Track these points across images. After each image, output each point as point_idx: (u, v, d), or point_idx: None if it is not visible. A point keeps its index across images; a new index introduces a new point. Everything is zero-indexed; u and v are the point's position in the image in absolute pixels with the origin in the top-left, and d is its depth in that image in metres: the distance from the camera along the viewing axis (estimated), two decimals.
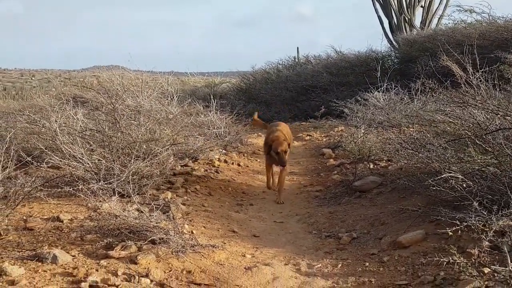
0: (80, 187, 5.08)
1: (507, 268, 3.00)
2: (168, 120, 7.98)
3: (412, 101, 9.93)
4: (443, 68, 7.44)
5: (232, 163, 9.26)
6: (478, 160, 4.59)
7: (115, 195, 5.09)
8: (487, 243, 3.85)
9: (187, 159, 8.62)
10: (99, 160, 5.96)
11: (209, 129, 10.44)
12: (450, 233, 3.92)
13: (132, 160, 6.09)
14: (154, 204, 4.95)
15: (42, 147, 6.31)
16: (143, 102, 8.80)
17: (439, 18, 19.27)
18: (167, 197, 6.19)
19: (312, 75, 18.09)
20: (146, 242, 4.32)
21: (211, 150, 9.32)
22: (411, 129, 6.44)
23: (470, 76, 5.65)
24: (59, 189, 5.29)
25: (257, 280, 4.26)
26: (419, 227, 4.86)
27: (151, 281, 3.76)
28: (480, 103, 4.90)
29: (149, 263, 4.04)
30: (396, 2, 19.27)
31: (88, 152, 6.12)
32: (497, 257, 3.72)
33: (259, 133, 13.88)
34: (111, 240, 4.36)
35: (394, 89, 11.12)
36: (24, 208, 5.26)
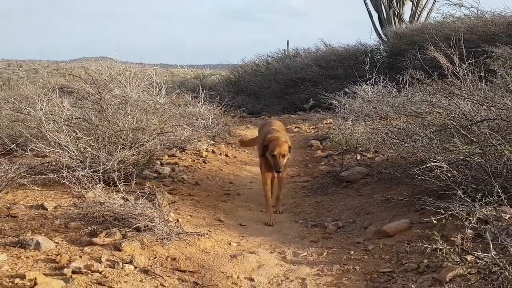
0: (65, 174, 5.03)
1: (489, 255, 3.02)
2: (156, 109, 7.93)
3: (400, 94, 9.97)
4: (431, 61, 7.45)
5: (220, 154, 9.24)
6: (463, 150, 4.61)
7: (100, 183, 5.05)
8: (470, 231, 3.89)
9: (174, 149, 8.60)
10: (84, 148, 5.91)
11: (197, 120, 10.40)
12: (435, 222, 3.94)
13: (119, 149, 6.05)
14: (140, 192, 4.91)
15: (27, 134, 6.24)
16: (131, 92, 8.74)
17: (428, 12, 19.36)
18: (153, 186, 6.15)
19: (301, 67, 18.07)
20: (131, 229, 4.30)
21: (199, 141, 9.30)
22: (398, 121, 6.44)
23: (457, 68, 5.67)
24: (44, 176, 5.24)
25: (243, 267, 4.26)
26: (404, 216, 4.88)
27: (135, 267, 3.74)
28: (466, 93, 4.93)
29: (134, 250, 4.02)
30: None
31: (74, 140, 6.06)
32: (480, 245, 3.74)
33: (248, 125, 13.88)
34: (95, 228, 4.34)
35: (383, 82, 11.15)
36: (8, 195, 5.21)
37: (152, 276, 3.67)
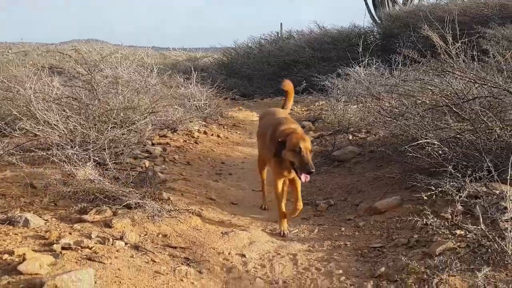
0: (54, 152, 4.99)
1: (479, 227, 3.03)
2: (147, 90, 7.88)
3: (393, 75, 9.94)
4: (424, 42, 7.42)
5: (212, 135, 9.21)
6: (455, 127, 4.61)
7: (90, 161, 5.01)
8: (460, 207, 3.91)
9: (166, 130, 8.56)
10: (74, 127, 5.86)
11: (189, 101, 10.34)
12: (425, 198, 3.95)
13: (109, 128, 6.00)
14: (130, 170, 4.89)
15: (16, 113, 6.19)
16: (122, 73, 8.68)
17: None
18: (144, 165, 6.13)
19: (294, 50, 17.98)
20: (122, 206, 4.29)
21: (190, 122, 9.25)
22: (390, 100, 6.42)
23: (450, 47, 5.65)
24: (33, 153, 5.19)
25: (234, 244, 4.26)
26: (395, 194, 4.90)
27: (126, 243, 3.72)
28: (459, 71, 4.91)
29: (124, 227, 4.01)
30: None
31: (64, 118, 6.00)
32: (470, 220, 3.76)
33: (240, 107, 13.84)
34: (85, 205, 4.33)
35: (376, 64, 11.11)
36: None
37: (143, 252, 3.65)
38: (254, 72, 18.75)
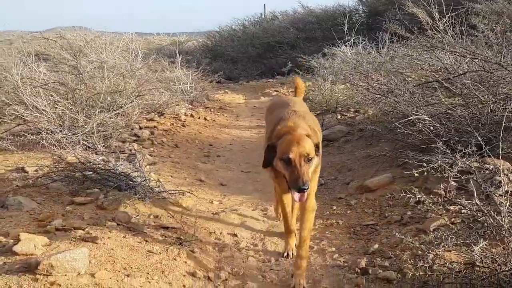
0: (44, 135, 4.94)
1: (473, 202, 3.03)
2: (133, 73, 7.78)
3: (380, 54, 9.90)
4: (410, 19, 7.41)
5: (199, 118, 9.15)
6: (446, 102, 4.61)
7: (79, 145, 4.96)
8: (453, 183, 3.91)
9: (153, 113, 8.48)
10: (63, 111, 5.79)
11: (175, 85, 10.24)
12: (416, 175, 3.94)
13: (97, 112, 5.93)
14: (119, 153, 4.84)
15: (4, 99, 6.12)
16: (107, 58, 8.54)
17: None
18: (133, 148, 6.07)
19: (279, 31, 17.86)
20: (112, 188, 4.24)
21: (177, 105, 9.17)
22: (379, 76, 6.38)
23: (437, 22, 5.61)
24: (23, 138, 5.13)
25: (225, 224, 4.26)
26: (386, 171, 4.90)
27: (118, 224, 3.68)
28: (448, 45, 4.89)
29: (116, 208, 3.97)
30: None
31: (52, 103, 5.93)
32: (464, 196, 3.76)
33: (226, 90, 13.76)
34: (76, 188, 4.31)
35: (362, 43, 11.05)
36: None
37: (136, 232, 3.62)
38: (238, 55, 18.62)
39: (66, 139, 5.00)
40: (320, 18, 17.11)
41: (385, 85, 5.64)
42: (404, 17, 8.00)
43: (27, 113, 5.77)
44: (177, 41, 24.20)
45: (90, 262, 2.95)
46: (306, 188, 3.00)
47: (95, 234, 3.37)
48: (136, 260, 3.21)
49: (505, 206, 2.93)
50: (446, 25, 5.52)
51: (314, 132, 3.38)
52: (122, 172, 4.42)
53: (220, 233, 4.04)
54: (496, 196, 3.22)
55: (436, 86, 4.82)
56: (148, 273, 3.09)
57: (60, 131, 5.41)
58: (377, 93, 5.62)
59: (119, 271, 3.01)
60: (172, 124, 8.20)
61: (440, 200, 3.47)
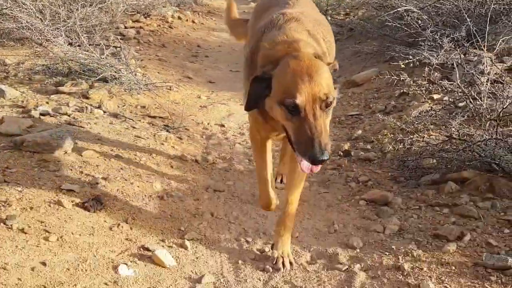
0: (25, 23, 4.82)
1: (455, 83, 3.07)
2: None
3: None
4: None
5: (187, 20, 8.92)
6: None
7: (62, 36, 4.86)
8: (438, 74, 3.95)
9: (138, 14, 8.25)
10: (43, 4, 5.61)
11: None
12: (403, 66, 3.97)
13: (79, 6, 5.76)
14: (104, 46, 4.76)
15: None
16: None
17: None
18: (118, 45, 5.96)
19: None
20: (97, 79, 4.20)
21: (163, 7, 8.91)
22: None
23: None
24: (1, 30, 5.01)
25: (213, 116, 4.30)
26: (373, 67, 4.91)
27: (104, 112, 3.72)
28: None
29: (102, 98, 3.96)
30: None
31: None
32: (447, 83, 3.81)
33: None
34: (60, 79, 4.26)
35: None
36: None
37: (122, 119, 3.66)
38: None
39: (48, 31, 4.87)
40: None
41: None
42: None
43: (6, 7, 5.56)
44: None
45: (76, 144, 2.99)
46: (326, 158, 1.95)
47: (81, 119, 3.41)
48: (124, 143, 3.27)
49: (486, 87, 2.97)
50: None
51: (328, 49, 2.32)
52: (107, 62, 4.36)
53: (208, 124, 4.09)
54: (477, 77, 3.25)
55: None
56: (136, 155, 3.16)
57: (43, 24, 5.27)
58: None
59: (106, 152, 3.07)
60: (159, 25, 8.00)
61: (423, 88, 3.53)
